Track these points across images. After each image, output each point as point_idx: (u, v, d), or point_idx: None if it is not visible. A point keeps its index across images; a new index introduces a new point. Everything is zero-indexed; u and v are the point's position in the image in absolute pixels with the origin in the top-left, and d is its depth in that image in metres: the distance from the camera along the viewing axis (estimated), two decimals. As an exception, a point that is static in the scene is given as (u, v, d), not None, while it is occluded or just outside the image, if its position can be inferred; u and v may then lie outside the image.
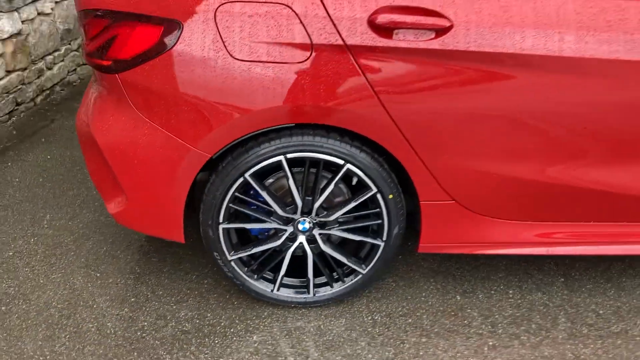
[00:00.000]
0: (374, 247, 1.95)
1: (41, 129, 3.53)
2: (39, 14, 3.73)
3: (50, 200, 2.68)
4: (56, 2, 3.95)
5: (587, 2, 1.62)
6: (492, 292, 2.10)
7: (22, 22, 3.57)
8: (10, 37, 3.47)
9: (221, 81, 1.65)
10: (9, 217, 2.58)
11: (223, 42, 1.63)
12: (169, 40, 1.64)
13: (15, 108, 3.62)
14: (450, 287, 2.13)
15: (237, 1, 1.62)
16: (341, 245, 2.04)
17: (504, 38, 1.61)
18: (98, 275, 2.21)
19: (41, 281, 2.18)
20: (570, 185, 1.81)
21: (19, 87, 3.62)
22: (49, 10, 3.84)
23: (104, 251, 2.34)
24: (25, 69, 3.66)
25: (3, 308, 2.04)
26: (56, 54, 4.01)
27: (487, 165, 1.79)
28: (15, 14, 3.50)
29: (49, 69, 3.94)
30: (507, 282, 2.15)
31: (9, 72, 3.50)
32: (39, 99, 3.86)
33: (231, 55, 1.63)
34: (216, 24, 1.62)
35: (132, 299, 2.08)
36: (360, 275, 1.98)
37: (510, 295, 2.08)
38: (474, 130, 1.72)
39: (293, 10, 1.61)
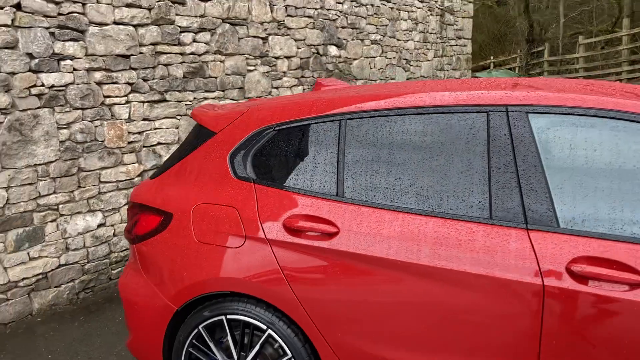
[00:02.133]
0: (295, 407, 2.32)
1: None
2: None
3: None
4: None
5: (445, 223, 2.04)
6: None
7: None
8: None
9: (187, 256, 2.37)
10: (97, 342, 3.46)
11: (192, 229, 2.38)
12: (164, 225, 2.46)
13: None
14: None
15: (204, 203, 2.39)
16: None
17: (375, 244, 2.09)
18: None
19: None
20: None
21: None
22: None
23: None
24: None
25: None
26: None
27: (370, 347, 2.14)
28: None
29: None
30: None
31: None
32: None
33: (195, 239, 2.36)
34: (191, 217, 2.40)
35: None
36: None
37: None
38: (357, 317, 2.13)
39: (238, 212, 2.32)
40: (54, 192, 3.91)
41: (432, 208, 2.08)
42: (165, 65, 4.58)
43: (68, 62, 3.89)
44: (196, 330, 2.40)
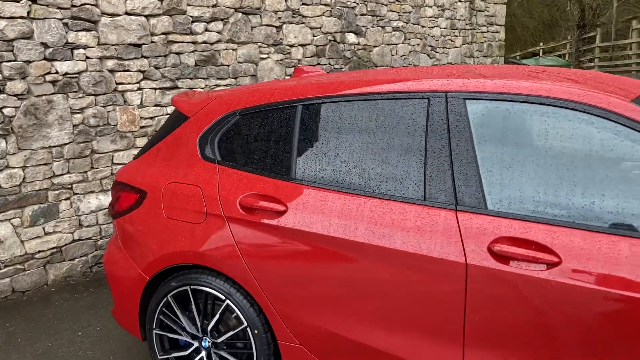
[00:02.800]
0: (252, 372, 2.50)
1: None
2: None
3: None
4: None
5: (382, 203, 2.16)
6: None
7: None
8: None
9: (157, 230, 2.58)
10: (101, 311, 3.74)
11: (162, 206, 2.58)
12: (139, 202, 2.67)
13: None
14: None
15: (174, 182, 2.58)
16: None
17: (317, 222, 2.22)
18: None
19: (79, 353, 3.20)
20: (377, 349, 2.17)
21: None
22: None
23: (116, 347, 3.28)
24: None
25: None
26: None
27: (314, 320, 2.28)
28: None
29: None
30: None
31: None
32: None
33: (164, 214, 2.56)
34: (162, 195, 2.59)
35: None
36: (242, 393, 2.53)
37: None
38: (301, 290, 2.27)
39: (202, 191, 2.50)
40: (68, 172, 4.20)
41: (372, 189, 2.20)
42: (177, 53, 4.80)
43: (81, 51, 4.15)
44: (165, 299, 2.61)
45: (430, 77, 2.25)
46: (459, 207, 2.04)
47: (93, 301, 3.93)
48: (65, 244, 4.27)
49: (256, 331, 2.43)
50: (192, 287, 2.54)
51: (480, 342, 2.01)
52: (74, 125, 4.19)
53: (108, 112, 4.39)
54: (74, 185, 4.26)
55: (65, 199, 4.22)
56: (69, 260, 4.31)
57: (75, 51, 4.13)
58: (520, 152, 2.03)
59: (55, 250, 4.21)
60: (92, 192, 4.38)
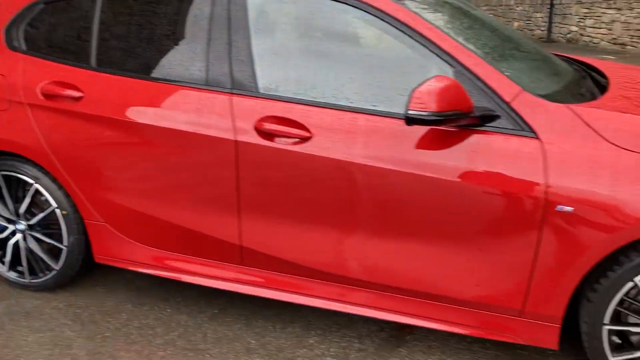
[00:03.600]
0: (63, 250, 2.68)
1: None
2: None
3: None
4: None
5: (169, 88, 2.33)
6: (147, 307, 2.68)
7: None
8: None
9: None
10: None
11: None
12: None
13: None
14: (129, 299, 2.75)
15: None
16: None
17: (111, 107, 2.37)
18: None
19: None
20: (169, 221, 2.42)
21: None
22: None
23: None
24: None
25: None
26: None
27: (114, 198, 2.47)
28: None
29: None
30: (176, 306, 2.70)
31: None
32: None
33: (-28, 103, 2.61)
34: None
35: None
36: (55, 272, 2.71)
37: (161, 311, 2.64)
38: (101, 171, 2.44)
39: (6, 80, 2.56)
40: None
41: (162, 75, 2.36)
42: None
43: None
44: (-19, 186, 2.70)
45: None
46: (234, 90, 2.25)
47: None
48: None
49: (65, 212, 2.59)
50: (1, 173, 2.64)
51: (252, 210, 2.29)
52: None
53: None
54: None
55: None
56: None
57: None
58: (289, 41, 2.25)
59: None
60: None
